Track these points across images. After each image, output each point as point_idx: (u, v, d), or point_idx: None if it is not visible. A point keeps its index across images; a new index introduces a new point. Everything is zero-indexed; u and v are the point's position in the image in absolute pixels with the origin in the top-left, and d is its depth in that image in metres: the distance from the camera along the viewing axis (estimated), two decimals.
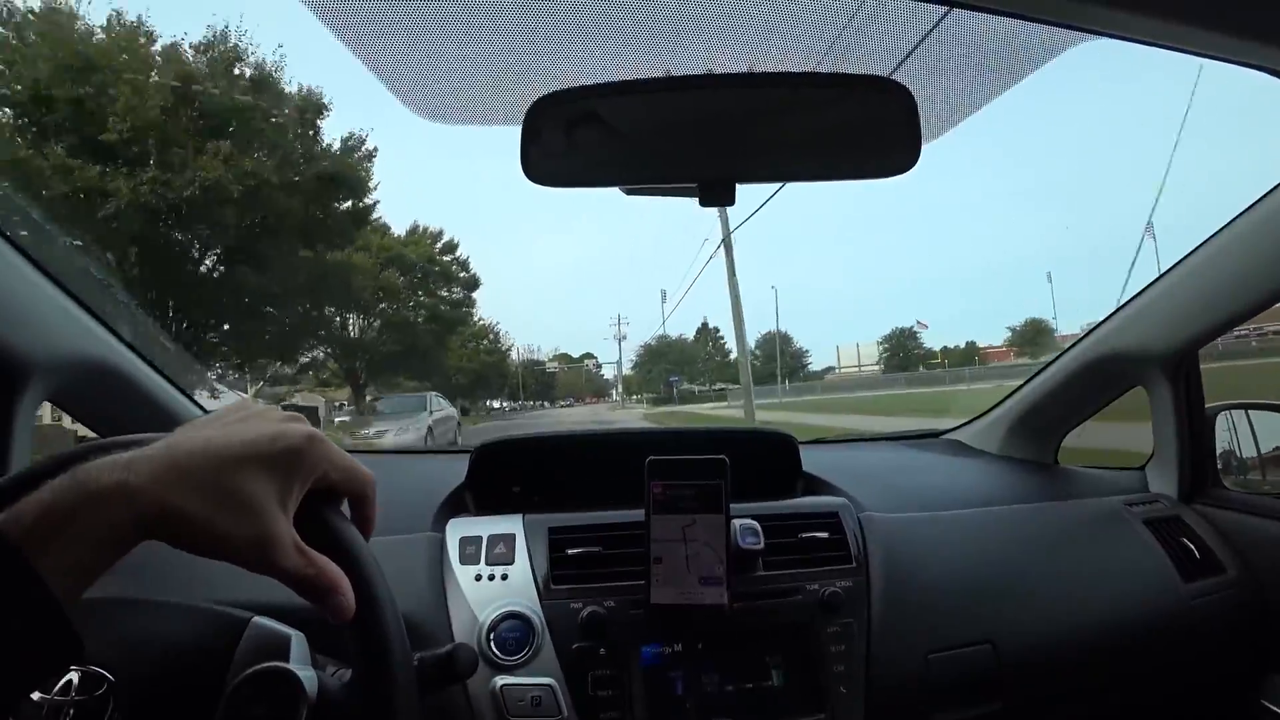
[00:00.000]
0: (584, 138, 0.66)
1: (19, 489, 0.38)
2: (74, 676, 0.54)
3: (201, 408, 1.25)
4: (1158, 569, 1.04)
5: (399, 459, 1.45)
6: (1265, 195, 0.98)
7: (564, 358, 75.00)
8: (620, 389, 36.64)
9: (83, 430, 1.23)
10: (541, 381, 63.50)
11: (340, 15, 0.64)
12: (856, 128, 0.66)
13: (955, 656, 0.88)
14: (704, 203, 0.66)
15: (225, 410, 0.46)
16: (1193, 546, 1.09)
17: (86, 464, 0.37)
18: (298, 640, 0.59)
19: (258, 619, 0.60)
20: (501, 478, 1.07)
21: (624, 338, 48.90)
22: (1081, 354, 1.28)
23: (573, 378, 74.07)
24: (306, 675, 0.54)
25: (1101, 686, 0.96)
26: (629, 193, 0.74)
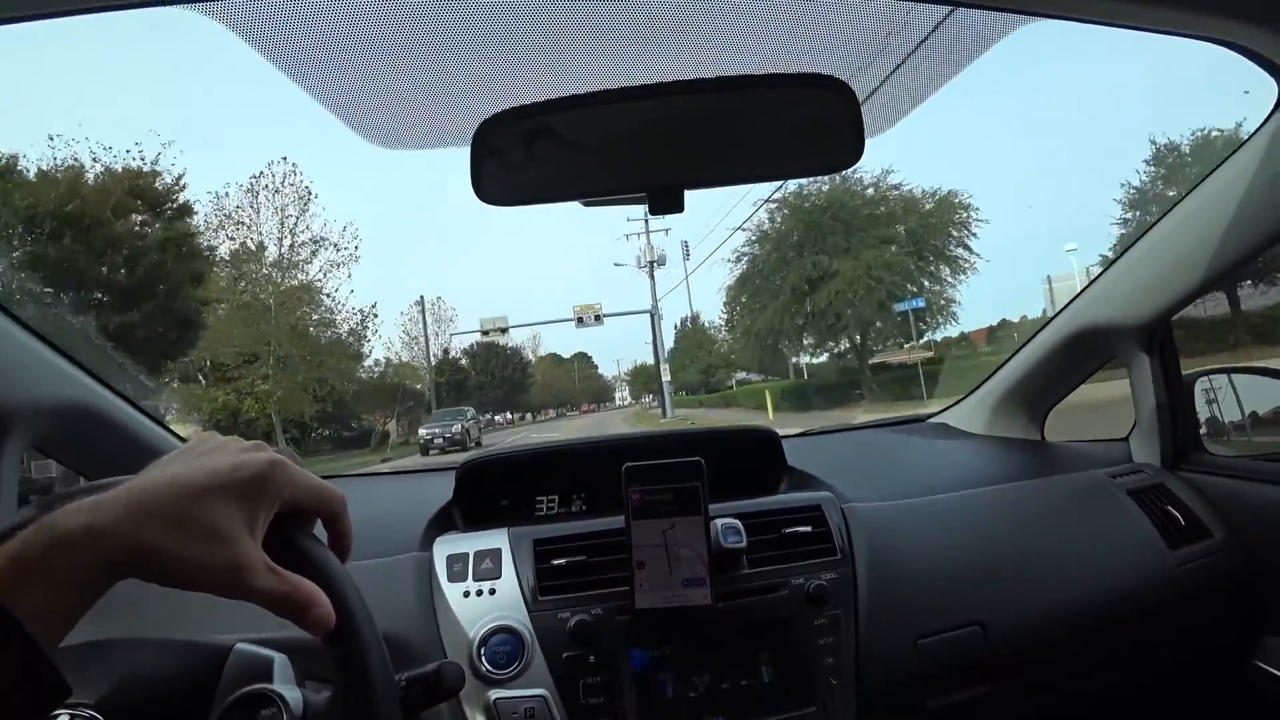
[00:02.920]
0: (533, 154, 0.67)
1: None
2: (65, 717, 0.54)
3: (184, 441, 1.26)
4: (1143, 538, 1.05)
5: (387, 480, 1.45)
6: (1225, 159, 0.99)
7: (552, 359, 59.29)
8: (667, 379, 24.83)
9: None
10: (506, 380, 43.63)
11: (281, 47, 0.65)
12: (801, 127, 0.67)
13: (944, 640, 0.89)
14: (653, 211, 0.67)
15: (189, 444, 0.46)
16: (1178, 513, 1.09)
17: (53, 511, 0.38)
18: (280, 662, 0.60)
19: (240, 645, 0.61)
20: (487, 493, 1.08)
21: (658, 261, 26.67)
22: (1059, 329, 1.29)
23: (557, 377, 56.12)
24: (291, 694, 0.55)
25: (1093, 660, 0.97)
26: (585, 204, 0.75)
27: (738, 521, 0.87)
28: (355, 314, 20.67)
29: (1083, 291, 1.26)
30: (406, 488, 1.35)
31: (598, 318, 23.79)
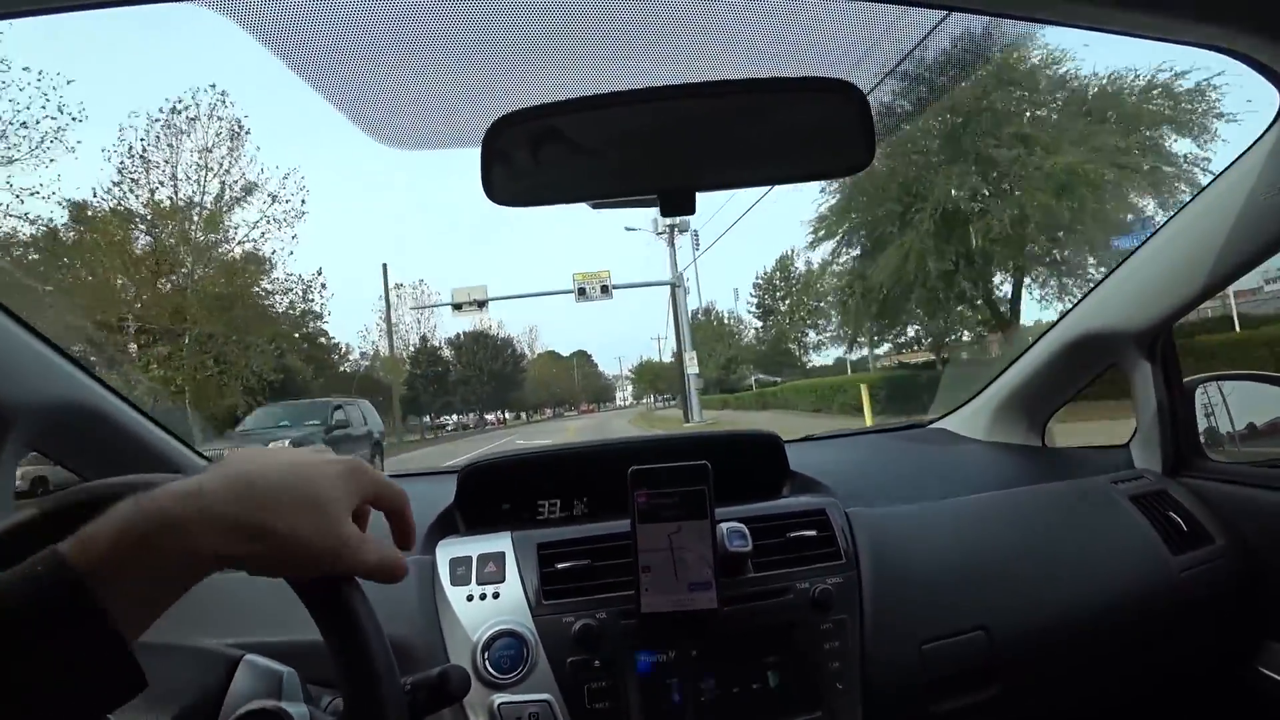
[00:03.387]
0: (543, 156, 0.67)
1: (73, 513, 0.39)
2: None
3: (189, 446, 1.25)
4: (1146, 544, 1.05)
5: None
6: (1227, 168, 1.00)
7: (550, 356, 53.12)
8: (693, 370, 18.87)
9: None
10: (496, 375, 37.27)
11: (294, 48, 0.65)
12: (812, 130, 0.67)
13: (949, 645, 0.89)
14: (665, 213, 0.67)
15: (255, 450, 0.46)
16: (1180, 519, 1.10)
17: (152, 491, 0.37)
18: (289, 677, 0.60)
19: (249, 657, 0.60)
20: (490, 496, 1.07)
21: (679, 227, 21.32)
22: (1060, 335, 1.30)
23: (555, 375, 50.70)
24: (299, 712, 0.55)
25: (1097, 665, 0.97)
26: (595, 206, 0.75)
27: (743, 525, 0.86)
28: (298, 283, 16.98)
29: (1084, 298, 1.27)
30: (408, 490, 1.34)
31: (605, 289, 17.86)
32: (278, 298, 17.14)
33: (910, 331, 16.60)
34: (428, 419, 35.74)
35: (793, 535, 0.93)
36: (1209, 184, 1.03)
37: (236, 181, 15.40)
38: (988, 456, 1.36)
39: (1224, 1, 0.68)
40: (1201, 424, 1.23)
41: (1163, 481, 1.18)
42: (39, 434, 0.99)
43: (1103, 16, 0.71)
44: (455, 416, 39.19)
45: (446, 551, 0.92)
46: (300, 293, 17.57)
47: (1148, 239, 1.15)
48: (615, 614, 0.83)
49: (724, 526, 0.85)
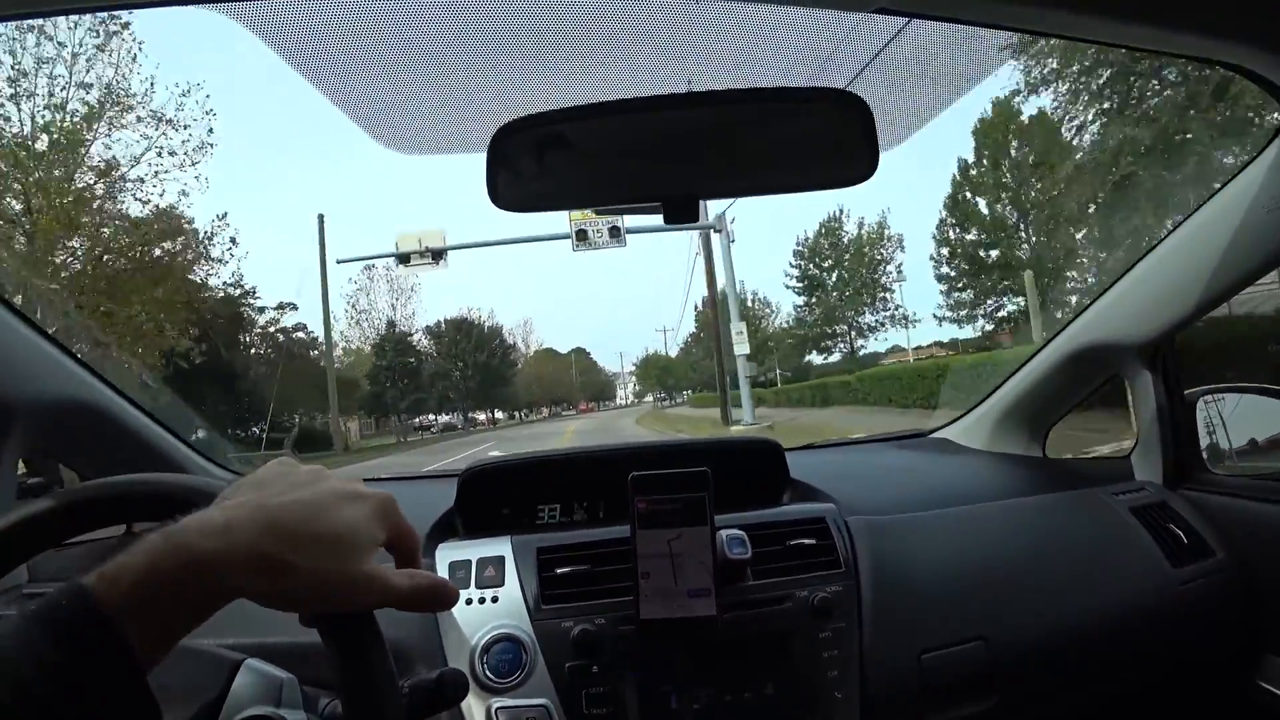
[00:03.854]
0: (548, 162, 0.67)
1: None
2: None
3: (189, 444, 1.25)
4: (1146, 556, 1.05)
5: (389, 484, 1.45)
6: (1231, 178, 1.00)
7: (548, 354, 48.51)
8: (743, 349, 12.94)
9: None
10: (482, 368, 31.94)
11: (304, 54, 0.65)
12: (815, 140, 0.67)
13: (948, 655, 0.89)
14: (668, 220, 0.67)
15: (281, 471, 0.45)
16: (1180, 532, 1.09)
17: (179, 525, 0.37)
18: (289, 684, 0.60)
19: (250, 661, 0.60)
20: (490, 500, 1.08)
21: None
22: (1061, 346, 1.30)
23: (553, 371, 45.78)
24: (296, 718, 0.55)
25: (1096, 676, 0.96)
26: (598, 213, 0.75)
27: (743, 533, 0.86)
28: (187, 227, 12.70)
29: (1086, 308, 1.27)
30: (407, 494, 1.34)
31: (615, 231, 12.91)
32: (166, 245, 12.84)
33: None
34: (397, 419, 29.98)
35: (792, 543, 0.93)
36: (1211, 196, 1.04)
37: (108, 90, 11.44)
38: (988, 466, 1.36)
39: (1225, 16, 0.68)
40: (1203, 438, 1.22)
41: (1163, 493, 1.18)
42: (41, 431, 1.00)
43: (1106, 30, 0.71)
44: (439, 417, 33.76)
45: (446, 555, 0.92)
46: (199, 242, 13.18)
47: (1149, 250, 1.15)
48: (614, 620, 0.83)
49: (724, 533, 0.85)
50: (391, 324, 28.87)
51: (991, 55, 0.76)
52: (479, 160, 0.66)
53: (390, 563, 0.48)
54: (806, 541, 0.93)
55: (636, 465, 0.84)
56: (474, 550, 0.92)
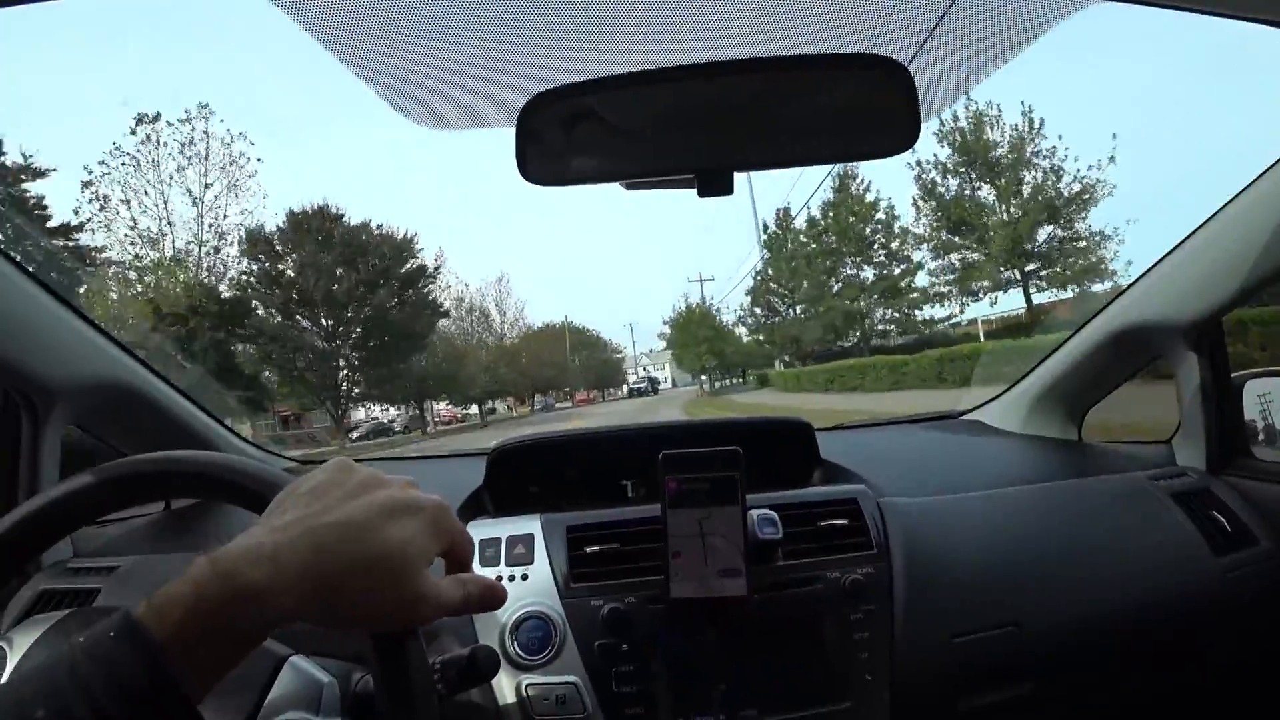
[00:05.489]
0: (579, 135, 0.66)
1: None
2: None
3: (226, 426, 1.27)
4: (1188, 544, 1.02)
5: (417, 464, 1.46)
6: None
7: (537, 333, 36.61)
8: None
9: None
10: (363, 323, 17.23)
11: (329, 26, 0.64)
12: (853, 109, 0.65)
13: (980, 640, 0.87)
14: (702, 193, 0.66)
15: (333, 476, 0.44)
16: (1223, 519, 1.06)
17: (225, 551, 0.36)
18: (329, 689, 0.60)
19: (295, 659, 0.60)
20: (519, 478, 1.08)
21: None
22: (1102, 326, 1.26)
23: (535, 350, 33.15)
24: None
25: (1134, 666, 0.94)
26: (628, 187, 0.74)
27: (774, 513, 0.86)
28: None
29: (1128, 288, 1.23)
30: (435, 471, 1.35)
31: None
32: None
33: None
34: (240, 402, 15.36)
35: (823, 524, 0.91)
36: (1263, 172, 0.99)
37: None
38: (1023, 449, 1.33)
39: None
40: (1251, 423, 1.18)
41: (1206, 480, 1.14)
42: (82, 411, 1.02)
43: None
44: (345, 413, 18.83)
45: (476, 533, 0.92)
46: None
47: (1198, 228, 1.10)
48: (644, 598, 0.82)
49: (754, 513, 0.84)
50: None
51: (1039, 18, 0.73)
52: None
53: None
54: (838, 522, 0.92)
55: (666, 444, 0.83)
56: (503, 528, 0.92)
